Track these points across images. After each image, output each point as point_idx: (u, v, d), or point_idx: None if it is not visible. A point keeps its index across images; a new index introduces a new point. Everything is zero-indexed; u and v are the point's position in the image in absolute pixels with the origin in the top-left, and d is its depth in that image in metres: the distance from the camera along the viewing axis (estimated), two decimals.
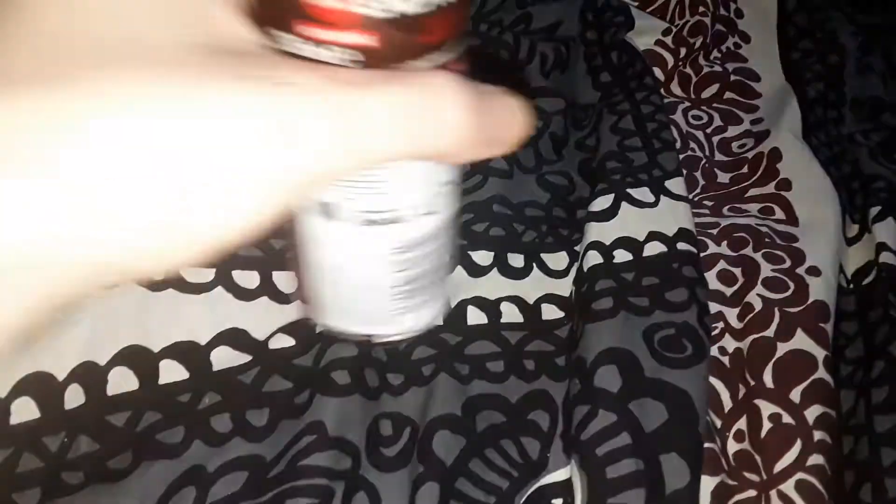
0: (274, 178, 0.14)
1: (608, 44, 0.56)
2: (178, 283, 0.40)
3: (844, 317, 0.42)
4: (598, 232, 0.44)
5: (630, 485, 0.33)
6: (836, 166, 0.50)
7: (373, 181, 0.21)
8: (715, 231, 0.46)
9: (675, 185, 0.46)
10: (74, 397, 0.37)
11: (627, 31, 0.58)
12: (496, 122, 0.17)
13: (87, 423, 0.36)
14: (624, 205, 0.45)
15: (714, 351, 0.40)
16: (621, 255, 0.43)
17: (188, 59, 0.14)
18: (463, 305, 0.42)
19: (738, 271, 0.44)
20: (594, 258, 0.42)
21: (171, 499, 0.34)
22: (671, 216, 0.44)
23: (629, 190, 0.46)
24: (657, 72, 0.58)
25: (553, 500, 0.36)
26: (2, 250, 0.13)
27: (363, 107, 0.15)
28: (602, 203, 0.45)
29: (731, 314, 0.42)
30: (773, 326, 0.40)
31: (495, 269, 0.44)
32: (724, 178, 0.52)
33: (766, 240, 0.45)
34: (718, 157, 0.54)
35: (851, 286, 0.44)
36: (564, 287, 0.44)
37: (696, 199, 0.50)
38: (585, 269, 0.42)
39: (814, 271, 0.43)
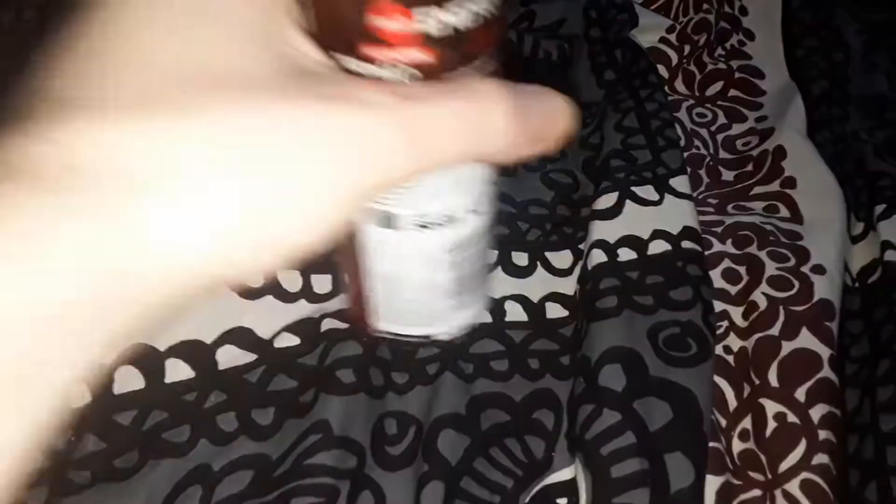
0: (347, 187, 0.16)
1: (612, 41, 0.56)
2: None
3: (850, 315, 0.42)
4: (602, 230, 0.44)
5: (635, 484, 0.33)
6: (840, 164, 0.50)
7: (427, 186, 0.22)
8: (719, 229, 0.46)
9: (680, 183, 0.46)
10: (81, 396, 0.37)
11: (631, 29, 0.58)
12: (540, 121, 0.18)
13: (94, 421, 0.36)
14: (628, 203, 0.45)
15: (719, 350, 0.40)
16: (625, 254, 0.43)
17: (274, 81, 0.15)
18: None
19: (742, 269, 0.44)
20: (598, 256, 0.42)
21: (177, 498, 0.35)
22: (676, 214, 0.44)
23: (633, 188, 0.46)
24: (661, 69, 0.58)
25: (558, 500, 0.36)
26: (144, 274, 0.14)
27: (426, 119, 0.16)
28: (606, 201, 0.45)
29: (736, 313, 0.42)
30: (778, 325, 0.40)
31: (499, 267, 0.44)
32: (728, 175, 0.52)
33: (771, 238, 0.45)
34: (723, 154, 0.54)
35: (856, 284, 0.44)
36: (569, 285, 0.44)
37: (700, 197, 0.50)
38: (590, 268, 0.42)
39: (819, 269, 0.43)
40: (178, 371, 0.38)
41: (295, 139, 0.15)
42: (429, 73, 0.18)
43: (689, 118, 0.56)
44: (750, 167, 0.52)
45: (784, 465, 0.36)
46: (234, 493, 0.35)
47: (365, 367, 0.39)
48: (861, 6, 0.61)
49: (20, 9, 0.56)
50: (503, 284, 0.43)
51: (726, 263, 0.44)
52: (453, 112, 0.16)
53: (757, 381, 0.39)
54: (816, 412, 0.37)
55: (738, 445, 0.38)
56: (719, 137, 0.55)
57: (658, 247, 0.43)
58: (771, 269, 0.43)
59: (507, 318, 0.42)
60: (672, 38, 0.59)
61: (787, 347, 0.39)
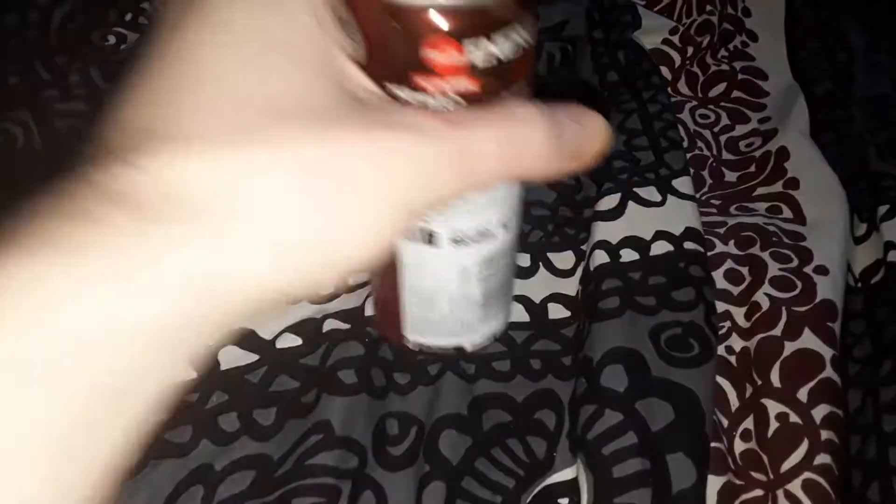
0: (401, 207, 0.17)
1: (615, 43, 0.56)
2: None
3: (852, 316, 0.42)
4: (604, 231, 0.44)
5: (636, 484, 0.33)
6: (843, 165, 0.49)
7: (464, 204, 0.23)
8: (722, 230, 0.46)
9: (683, 184, 0.46)
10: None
11: (634, 31, 0.58)
12: (576, 140, 0.19)
13: None
14: (631, 204, 0.45)
15: (721, 350, 0.40)
16: (628, 255, 0.43)
17: (338, 111, 0.17)
18: None
19: (745, 270, 0.44)
20: (601, 257, 0.42)
21: (178, 498, 0.35)
22: (678, 215, 0.44)
23: (636, 189, 0.46)
24: (664, 70, 0.58)
25: (559, 500, 0.36)
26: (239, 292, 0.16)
27: (473, 144, 0.17)
28: (609, 202, 0.45)
29: (739, 313, 0.42)
30: (781, 325, 0.40)
31: None
32: (731, 176, 0.52)
33: (774, 239, 0.45)
34: (726, 155, 0.54)
35: (859, 285, 0.44)
36: (571, 286, 0.44)
37: (703, 198, 0.50)
38: (592, 269, 0.42)
39: (821, 270, 0.42)
40: None
41: (359, 166, 0.16)
42: (472, 100, 0.19)
43: (692, 119, 0.55)
44: (753, 168, 0.52)
45: (786, 466, 0.36)
46: (236, 493, 0.35)
47: (367, 367, 0.39)
48: (864, 7, 0.61)
49: (25, 10, 0.56)
50: None
51: (729, 264, 0.44)
52: (496, 137, 0.18)
53: (759, 382, 0.39)
54: (819, 412, 0.37)
55: (739, 445, 0.37)
56: (722, 139, 0.55)
57: (660, 248, 0.43)
58: (773, 269, 0.43)
59: (509, 319, 0.42)
60: (675, 39, 0.59)
61: (789, 348, 0.39)
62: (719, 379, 0.39)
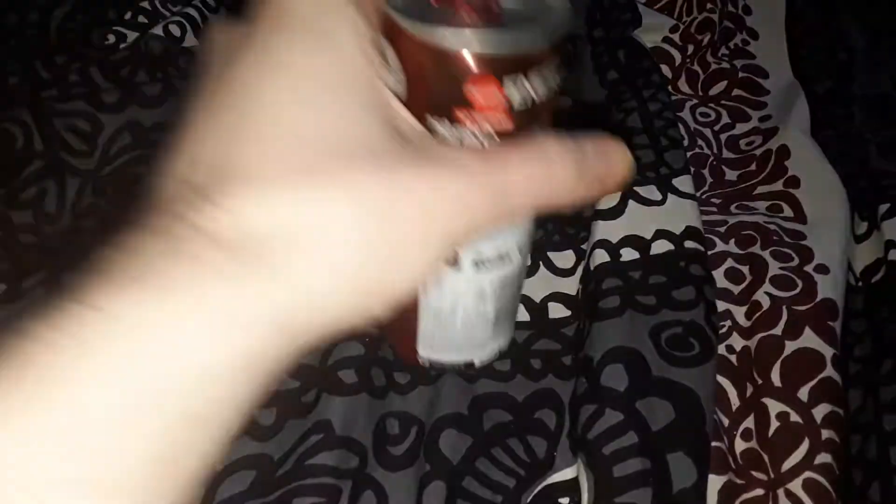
0: (444, 239, 0.18)
1: (615, 41, 0.56)
2: None
3: (853, 315, 0.42)
4: (604, 230, 0.44)
5: (637, 484, 0.33)
6: (844, 163, 0.49)
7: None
8: (723, 229, 0.46)
9: (683, 182, 0.46)
10: None
11: (634, 29, 0.58)
12: (601, 169, 0.21)
13: None
14: (631, 203, 0.45)
15: (722, 349, 0.40)
16: (628, 254, 0.42)
17: (390, 149, 0.18)
18: None
19: (745, 269, 0.44)
20: (601, 256, 0.42)
21: None
22: (679, 214, 0.44)
23: (636, 188, 0.45)
24: (665, 69, 0.57)
25: (560, 499, 0.36)
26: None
27: (509, 181, 0.19)
28: (609, 201, 0.45)
29: (739, 312, 0.42)
30: (781, 324, 0.40)
31: None
32: (731, 175, 0.52)
33: (774, 237, 0.45)
34: (726, 154, 0.54)
35: (860, 284, 0.44)
36: (571, 285, 0.44)
37: (703, 196, 0.50)
38: (592, 268, 0.42)
39: (822, 269, 0.42)
40: None
41: (413, 204, 0.18)
42: (505, 135, 0.20)
43: (692, 118, 0.55)
44: (753, 167, 0.52)
45: (787, 465, 0.36)
46: (237, 493, 0.35)
47: (367, 367, 0.39)
48: (865, 6, 0.61)
49: (25, 10, 0.56)
50: None
51: (729, 263, 0.44)
52: (530, 174, 0.19)
53: (760, 381, 0.39)
54: (819, 412, 0.37)
55: (740, 445, 0.37)
56: (723, 137, 0.55)
57: (661, 247, 0.43)
58: (774, 268, 0.43)
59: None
60: (675, 37, 0.59)
61: (790, 347, 0.39)
62: (720, 378, 0.39)
